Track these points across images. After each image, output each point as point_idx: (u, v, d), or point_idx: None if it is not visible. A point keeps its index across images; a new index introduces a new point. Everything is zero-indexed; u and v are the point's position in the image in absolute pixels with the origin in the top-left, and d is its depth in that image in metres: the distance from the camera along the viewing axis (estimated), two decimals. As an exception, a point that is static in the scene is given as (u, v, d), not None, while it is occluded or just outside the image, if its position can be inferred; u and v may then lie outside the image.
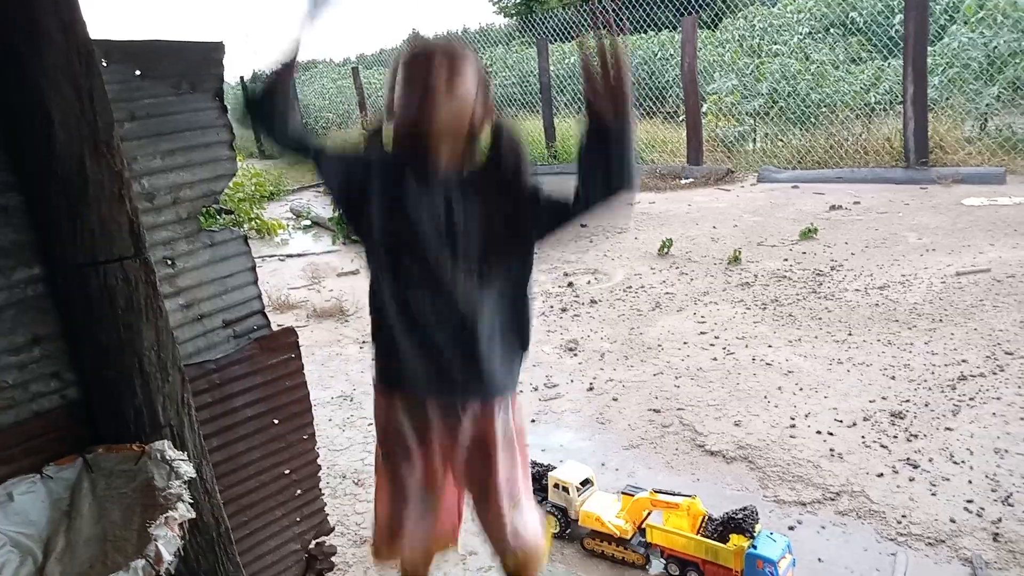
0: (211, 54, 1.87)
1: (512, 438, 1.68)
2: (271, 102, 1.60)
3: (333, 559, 2.36)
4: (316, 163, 1.62)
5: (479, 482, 1.69)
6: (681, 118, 9.45)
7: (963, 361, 3.47)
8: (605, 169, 1.41)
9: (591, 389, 3.67)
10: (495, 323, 1.54)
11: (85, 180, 1.53)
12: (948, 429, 2.93)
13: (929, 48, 7.57)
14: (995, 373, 3.32)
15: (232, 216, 6.90)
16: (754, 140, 9.68)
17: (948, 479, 2.62)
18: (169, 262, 1.82)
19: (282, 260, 7.23)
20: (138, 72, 1.75)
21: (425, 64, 1.43)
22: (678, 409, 3.35)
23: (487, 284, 1.51)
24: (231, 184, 8.07)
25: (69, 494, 1.60)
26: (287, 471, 2.14)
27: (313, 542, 2.29)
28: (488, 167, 1.51)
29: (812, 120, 8.93)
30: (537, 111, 11.24)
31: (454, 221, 1.48)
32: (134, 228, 1.62)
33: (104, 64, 1.64)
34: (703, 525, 2.27)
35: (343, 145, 1.65)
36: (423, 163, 1.48)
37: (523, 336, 1.61)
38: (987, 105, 7.86)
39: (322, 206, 8.92)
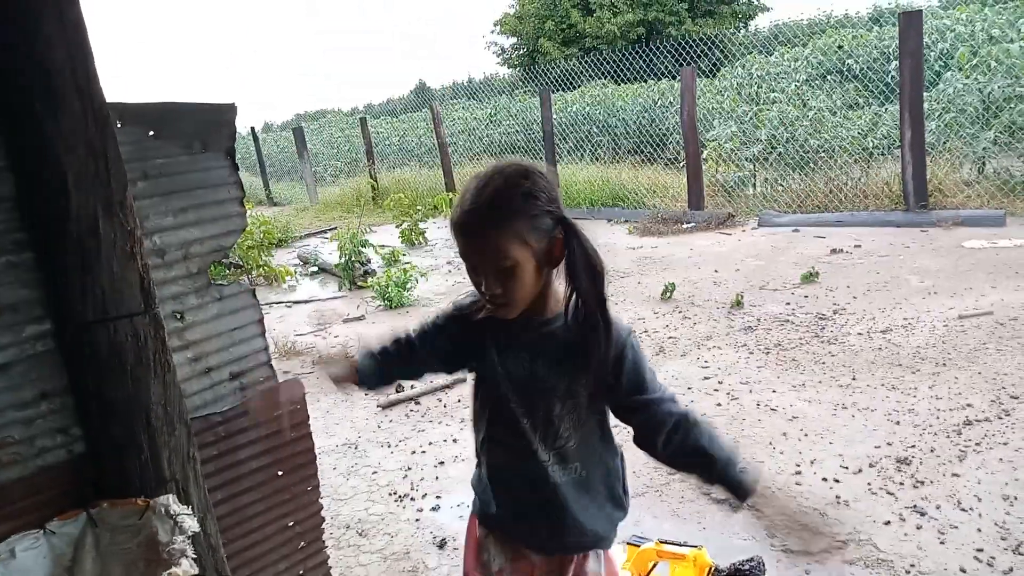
0: (223, 115, 1.92)
1: None
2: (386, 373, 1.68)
3: (336, 613, 2.33)
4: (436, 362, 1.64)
5: None
6: (682, 164, 9.58)
7: (968, 406, 3.46)
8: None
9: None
10: (584, 482, 1.50)
11: (98, 239, 1.57)
12: (955, 475, 2.91)
13: (925, 94, 7.70)
14: (1001, 418, 3.31)
15: (241, 269, 6.98)
16: (754, 185, 9.78)
17: (956, 527, 2.60)
18: (178, 316, 1.85)
19: (289, 307, 7.27)
20: (151, 133, 1.81)
21: (459, 237, 1.37)
22: (683, 456, 3.33)
23: (568, 444, 1.46)
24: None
25: (72, 549, 1.60)
26: (291, 523, 2.14)
27: (316, 595, 2.27)
28: (564, 319, 1.41)
29: (811, 165, 9.04)
30: (540, 158, 11.40)
31: (524, 382, 1.44)
32: (144, 284, 1.65)
33: (119, 126, 1.70)
34: (709, 576, 2.25)
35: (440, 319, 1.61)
36: (496, 323, 1.43)
37: (614, 493, 1.57)
38: (984, 149, 7.96)
39: (328, 252, 9.00)
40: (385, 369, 1.64)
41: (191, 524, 1.60)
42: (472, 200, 1.33)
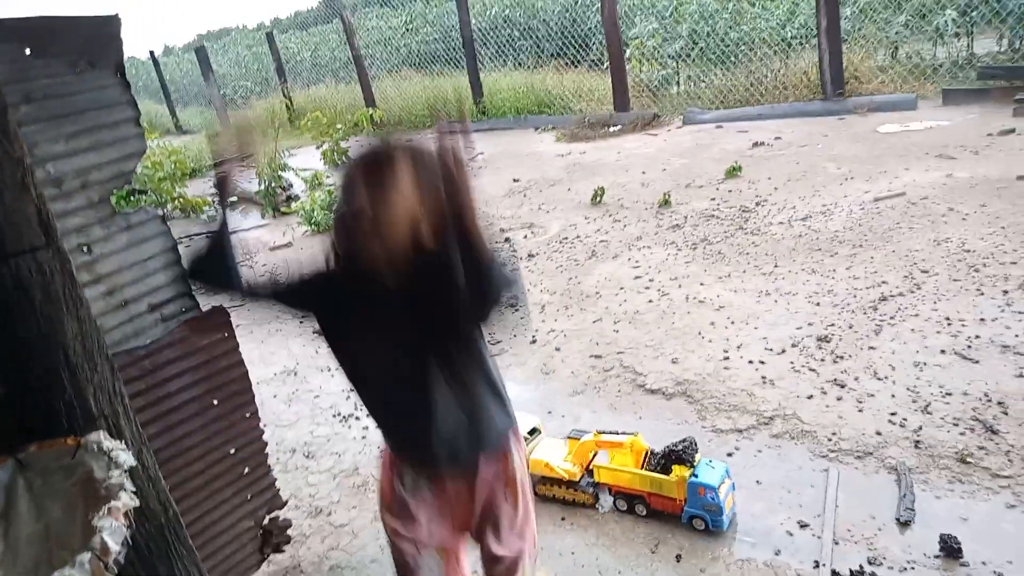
0: (107, 28, 1.78)
1: (526, 479, 1.66)
2: (211, 267, 1.63)
3: (289, 532, 2.37)
4: (278, 301, 1.60)
5: (504, 537, 1.64)
6: (606, 65, 9.45)
7: (883, 283, 3.64)
8: (480, 292, 1.32)
9: (534, 341, 3.72)
10: (468, 389, 1.52)
11: (-17, 171, 1.46)
12: (871, 348, 3.09)
13: (838, -21, 7.71)
14: (912, 291, 3.50)
15: (148, 195, 6.65)
16: (678, 83, 9.76)
17: (873, 395, 2.78)
18: (85, 249, 1.76)
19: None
20: (29, 51, 1.67)
21: (358, 177, 1.36)
22: (618, 353, 3.43)
23: (447, 362, 1.49)
24: (150, 163, 7.73)
25: (3, 496, 1.56)
26: (232, 450, 2.13)
27: (267, 518, 2.29)
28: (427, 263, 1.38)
29: (732, 59, 9.04)
30: (462, 66, 11.08)
31: (399, 323, 1.44)
32: (43, 216, 1.55)
33: (-11, 46, 1.56)
34: (646, 460, 2.36)
35: (297, 272, 1.57)
36: (368, 277, 1.41)
37: (494, 385, 1.58)
38: (896, 33, 8.09)
39: (247, 180, 8.66)
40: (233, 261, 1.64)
41: (126, 458, 1.57)
42: (372, 154, 1.36)
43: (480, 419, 1.55)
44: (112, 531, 1.40)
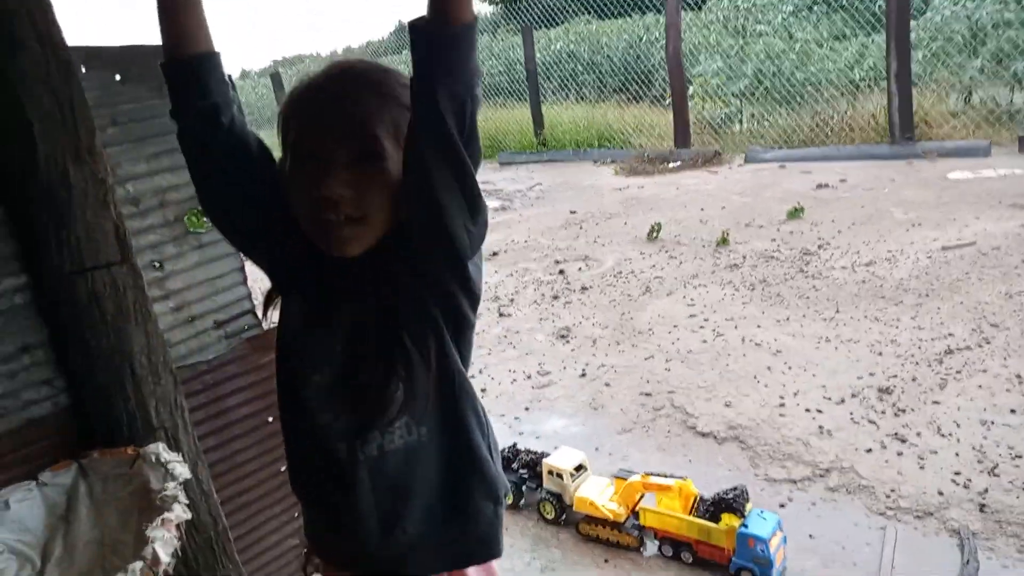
0: (190, 57, 1.87)
1: None
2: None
3: (332, 553, 2.38)
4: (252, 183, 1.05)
5: None
6: (668, 102, 9.45)
7: (950, 335, 3.51)
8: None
9: (583, 375, 3.70)
10: (400, 439, 1.04)
11: (68, 188, 1.54)
12: (935, 403, 2.97)
13: (912, 22, 7.58)
14: (981, 346, 3.36)
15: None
16: (740, 121, 9.69)
17: (936, 452, 2.67)
18: (157, 265, 1.83)
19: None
20: (118, 77, 1.76)
21: (308, 107, 0.97)
22: (669, 392, 3.38)
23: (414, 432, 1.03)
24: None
25: (65, 499, 1.61)
26: (283, 468, 2.16)
27: (311, 537, 2.31)
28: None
29: (798, 99, 8.94)
30: (524, 99, 11.22)
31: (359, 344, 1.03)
32: (120, 233, 1.63)
33: (84, 71, 1.65)
34: (695, 506, 2.31)
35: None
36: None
37: (466, 485, 1.08)
38: (971, 78, 7.89)
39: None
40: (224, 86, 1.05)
41: (182, 471, 1.61)
42: (343, 63, 0.98)
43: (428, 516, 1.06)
44: (164, 542, 1.44)
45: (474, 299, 1.03)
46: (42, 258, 1.58)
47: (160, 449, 1.65)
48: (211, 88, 1.02)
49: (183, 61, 1.02)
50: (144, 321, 1.67)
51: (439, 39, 0.83)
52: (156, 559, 1.39)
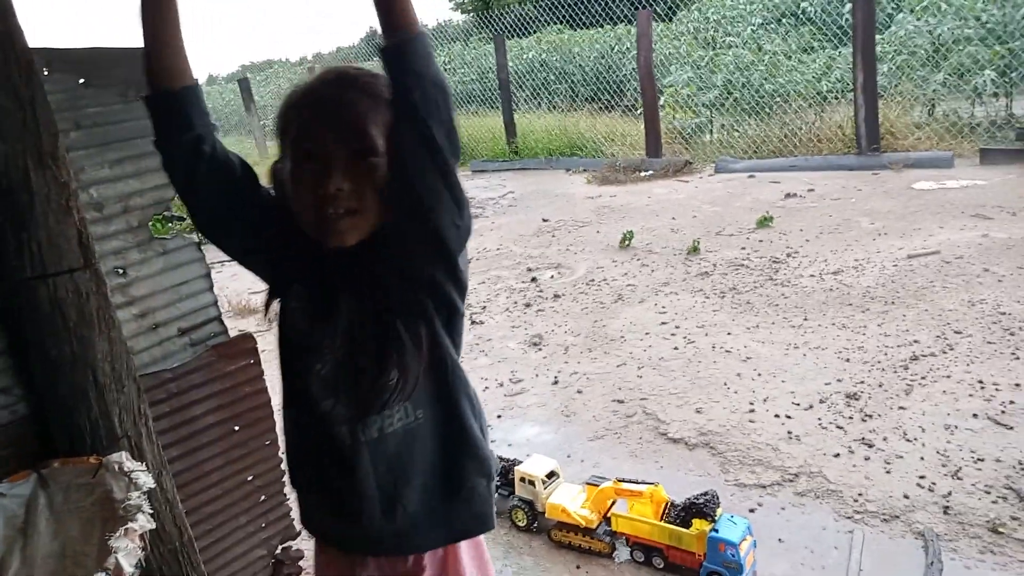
0: (157, 60, 1.84)
1: None
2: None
3: (301, 563, 2.35)
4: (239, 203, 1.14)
5: None
6: (639, 111, 9.54)
7: (915, 342, 3.57)
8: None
9: (556, 383, 3.70)
10: (399, 423, 1.13)
11: (30, 192, 1.51)
12: (901, 408, 3.02)
13: (877, 36, 7.75)
14: (945, 352, 3.43)
15: (186, 222, 6.78)
16: (711, 131, 9.81)
17: (901, 456, 2.71)
18: (121, 271, 1.80)
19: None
20: (82, 80, 1.73)
21: (308, 112, 1.06)
22: (641, 399, 3.40)
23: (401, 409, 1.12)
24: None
25: (24, 511, 1.57)
26: (250, 477, 2.13)
27: (280, 547, 2.28)
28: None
29: (767, 110, 9.08)
30: (497, 107, 11.25)
31: (356, 331, 1.10)
32: (83, 239, 1.60)
33: (46, 73, 1.62)
34: (666, 511, 2.32)
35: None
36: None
37: (460, 464, 1.17)
38: (934, 91, 8.08)
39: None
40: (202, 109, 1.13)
41: (146, 480, 1.58)
42: (337, 70, 1.06)
43: (424, 495, 1.15)
44: (127, 552, 1.41)
45: (462, 288, 1.12)
46: (2, 263, 1.55)
47: (123, 458, 1.61)
48: (194, 120, 1.11)
49: (167, 94, 1.10)
50: (107, 328, 1.64)
51: (400, 50, 0.94)
52: (119, 570, 1.36)
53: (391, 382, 1.08)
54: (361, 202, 1.02)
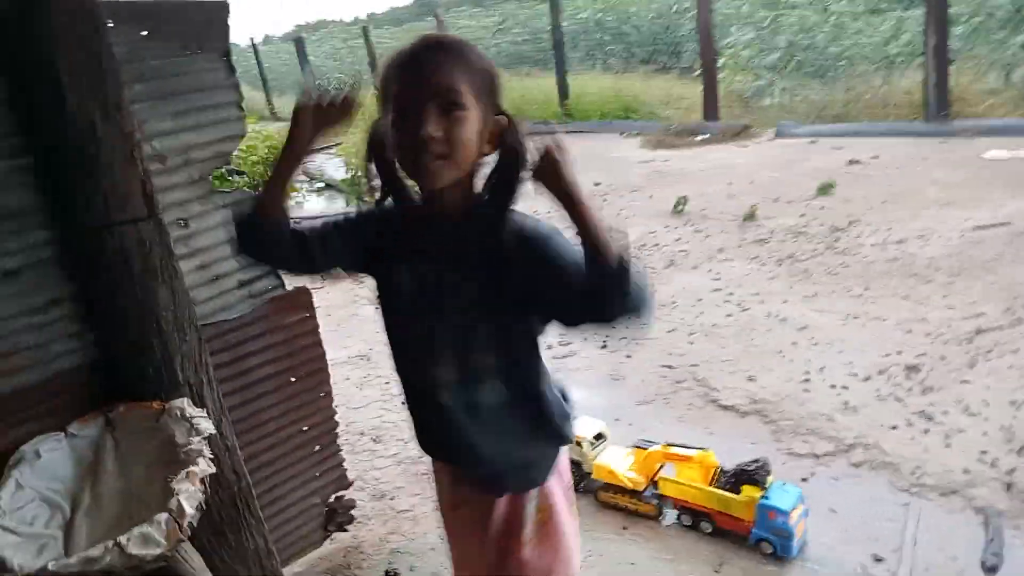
0: (217, 14, 1.86)
1: (545, 535, 1.43)
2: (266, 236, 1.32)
3: (352, 512, 2.41)
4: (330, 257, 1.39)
5: None
6: (697, 73, 9.28)
7: (980, 314, 3.44)
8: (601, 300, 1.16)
9: (604, 347, 3.68)
10: (502, 407, 1.31)
11: (97, 142, 1.55)
12: (964, 382, 2.92)
13: (952, -4, 7.35)
14: (1013, 326, 3.29)
15: (244, 177, 6.89)
16: (772, 95, 9.49)
17: (963, 431, 2.62)
18: (183, 223, 1.84)
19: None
20: (144, 33, 1.75)
21: (406, 70, 1.17)
22: (692, 365, 3.36)
23: (487, 360, 1.28)
24: (244, 147, 7.99)
25: (93, 451, 1.64)
26: (305, 428, 2.19)
27: (333, 496, 2.34)
28: (487, 213, 1.22)
29: (831, 73, 8.74)
30: (550, 68, 11.07)
31: (445, 290, 1.26)
32: (146, 190, 1.63)
33: (111, 25, 1.64)
34: (716, 477, 2.30)
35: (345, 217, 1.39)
36: (418, 210, 1.29)
37: (543, 421, 1.35)
38: (1012, 55, 7.64)
39: (335, 168, 8.91)
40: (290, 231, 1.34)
41: (206, 426, 1.63)
42: (432, 36, 1.20)
43: (502, 449, 1.35)
44: (189, 495, 1.46)
45: None
46: (69, 212, 1.59)
47: (185, 404, 1.67)
48: (283, 246, 1.34)
49: (268, 220, 1.31)
50: (170, 278, 1.68)
51: (602, 280, 1.14)
52: (182, 511, 1.42)
53: (488, 361, 1.27)
54: (451, 148, 1.15)
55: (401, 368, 1.40)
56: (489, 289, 1.24)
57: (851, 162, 6.54)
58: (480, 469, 1.40)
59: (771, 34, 9.47)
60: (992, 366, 3.00)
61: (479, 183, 1.25)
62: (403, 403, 1.45)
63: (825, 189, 5.72)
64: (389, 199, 1.32)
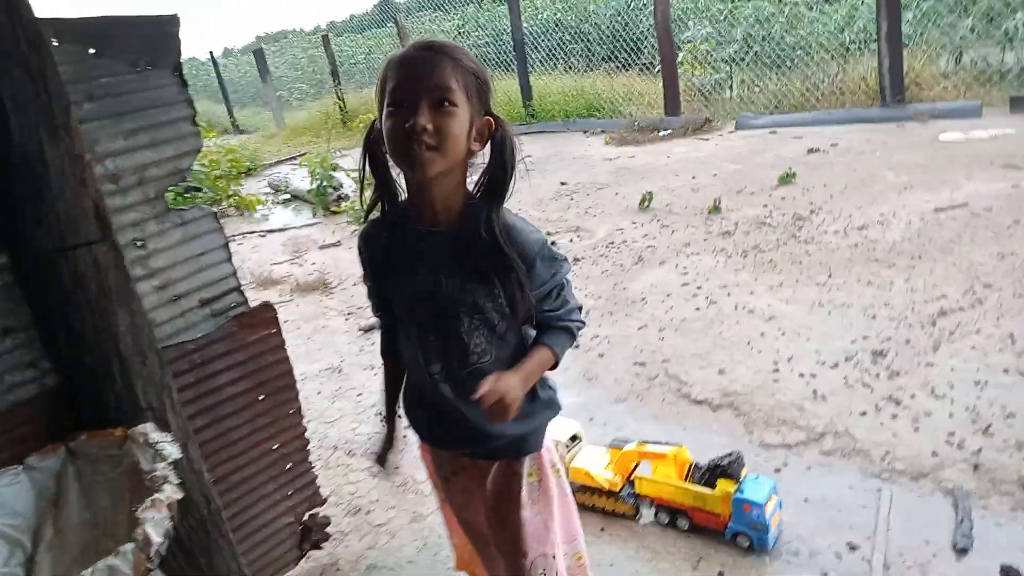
0: (166, 27, 1.82)
1: (536, 499, 1.58)
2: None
3: (328, 530, 2.38)
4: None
5: (500, 543, 1.62)
6: (657, 69, 9.35)
7: (943, 296, 3.50)
8: None
9: (577, 346, 3.68)
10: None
11: (45, 165, 1.50)
12: (929, 365, 2.98)
13: (902, -18, 7.49)
14: (974, 307, 3.36)
15: (203, 193, 6.79)
16: (731, 87, 9.60)
17: (930, 414, 2.67)
18: (139, 244, 1.80)
19: (263, 236, 7.16)
20: (92, 51, 1.71)
21: (401, 69, 1.28)
22: (663, 361, 3.38)
23: (484, 360, 1.43)
24: (207, 162, 7.94)
25: (55, 483, 1.60)
26: (275, 446, 2.15)
27: (307, 514, 2.31)
28: (476, 212, 1.34)
29: (788, 63, 8.86)
30: (512, 70, 11.08)
31: (443, 284, 1.38)
32: (100, 211, 1.59)
33: (56, 44, 1.60)
34: (690, 473, 2.31)
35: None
36: (414, 210, 1.39)
37: (535, 395, 1.51)
38: (962, 38, 7.81)
39: (300, 179, 8.81)
40: (396, 384, 1.68)
41: (171, 451, 1.59)
42: (427, 40, 1.31)
43: (498, 428, 1.47)
44: (155, 523, 1.42)
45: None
46: (20, 237, 1.55)
47: (149, 430, 1.62)
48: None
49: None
50: (128, 301, 1.64)
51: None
52: (148, 540, 1.38)
53: (479, 358, 1.41)
54: (440, 140, 1.25)
55: (409, 365, 1.55)
56: (483, 291, 1.36)
57: (811, 151, 6.64)
58: (484, 447, 1.54)
59: (728, 27, 9.57)
60: (955, 348, 3.06)
61: (470, 185, 1.38)
62: (402, 403, 1.66)
63: (786, 179, 5.80)
64: (377, 208, 1.44)
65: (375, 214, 1.48)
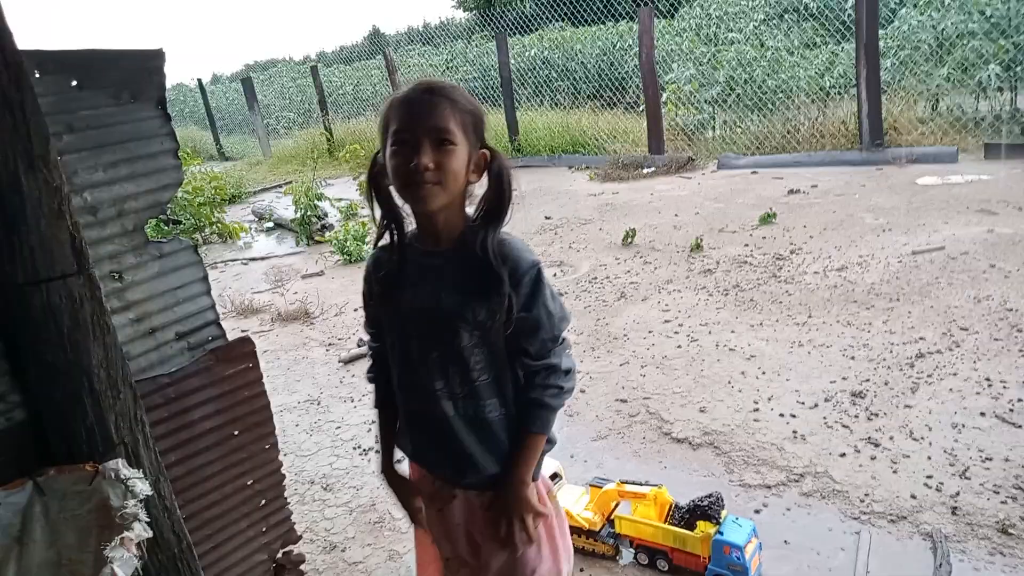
0: (151, 62, 1.82)
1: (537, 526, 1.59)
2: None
3: (302, 567, 2.33)
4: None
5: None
6: (641, 108, 9.50)
7: (920, 339, 3.54)
8: None
9: (566, 409, 3.66)
10: (501, 420, 1.49)
11: (22, 196, 1.49)
12: (907, 407, 2.99)
13: (881, 31, 7.70)
14: (951, 349, 3.39)
15: (184, 224, 6.75)
16: (714, 128, 9.76)
17: (908, 456, 2.68)
18: (116, 276, 1.78)
19: (245, 264, 7.12)
20: (75, 83, 1.71)
21: (403, 110, 1.35)
22: (644, 398, 3.37)
23: (483, 378, 1.46)
24: (191, 189, 7.92)
25: (20, 519, 1.55)
26: (250, 482, 2.11)
27: (281, 552, 2.26)
28: (475, 233, 1.41)
29: (769, 106, 9.04)
30: (499, 105, 11.21)
31: (444, 300, 1.42)
32: (76, 244, 1.57)
33: (37, 75, 1.60)
34: (670, 513, 2.30)
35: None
36: (420, 234, 1.47)
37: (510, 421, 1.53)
38: (937, 86, 8.02)
39: (284, 207, 8.81)
40: (390, 402, 1.65)
41: (142, 487, 1.56)
42: (426, 82, 1.38)
43: (475, 456, 1.49)
44: (123, 562, 1.39)
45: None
46: (-6, 269, 1.53)
47: (120, 465, 1.59)
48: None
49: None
50: (102, 334, 1.62)
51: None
52: (114, 580, 1.34)
53: (479, 375, 1.44)
54: (442, 176, 1.32)
55: (403, 390, 1.55)
56: (482, 307, 1.39)
57: (791, 191, 6.74)
58: (479, 477, 1.52)
59: (711, 69, 9.76)
60: (933, 390, 3.08)
61: (470, 210, 1.45)
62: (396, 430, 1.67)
63: (767, 219, 5.87)
64: (386, 236, 1.50)
65: (384, 240, 1.54)
